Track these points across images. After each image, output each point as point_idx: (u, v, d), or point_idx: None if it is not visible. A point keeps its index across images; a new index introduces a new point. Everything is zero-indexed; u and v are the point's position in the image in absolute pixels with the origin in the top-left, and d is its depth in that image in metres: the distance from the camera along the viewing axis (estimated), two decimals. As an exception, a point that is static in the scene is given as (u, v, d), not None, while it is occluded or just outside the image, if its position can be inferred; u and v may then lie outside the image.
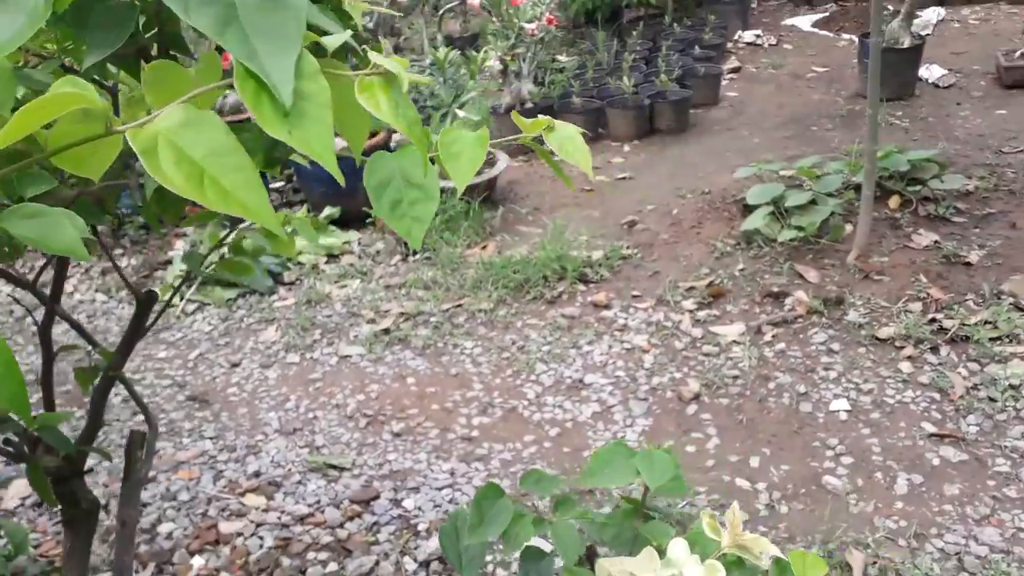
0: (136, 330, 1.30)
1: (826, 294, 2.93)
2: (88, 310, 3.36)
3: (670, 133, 4.84)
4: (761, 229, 3.34)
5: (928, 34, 6.05)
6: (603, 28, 6.46)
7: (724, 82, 5.67)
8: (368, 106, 0.64)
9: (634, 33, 6.15)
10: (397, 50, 6.61)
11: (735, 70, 5.91)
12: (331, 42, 0.66)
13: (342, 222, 3.86)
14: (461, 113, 3.69)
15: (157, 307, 1.31)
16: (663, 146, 4.71)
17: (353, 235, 3.79)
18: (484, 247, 3.65)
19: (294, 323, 3.11)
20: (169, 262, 3.73)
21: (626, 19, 7.05)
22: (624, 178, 4.32)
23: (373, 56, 0.66)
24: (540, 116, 0.91)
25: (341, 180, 0.59)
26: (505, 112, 4.75)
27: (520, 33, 4.54)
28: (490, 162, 4.12)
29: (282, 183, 4.47)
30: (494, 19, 4.68)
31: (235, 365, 2.90)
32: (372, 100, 0.64)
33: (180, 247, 3.80)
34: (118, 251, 3.79)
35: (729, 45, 6.48)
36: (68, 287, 3.56)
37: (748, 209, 3.51)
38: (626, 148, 4.74)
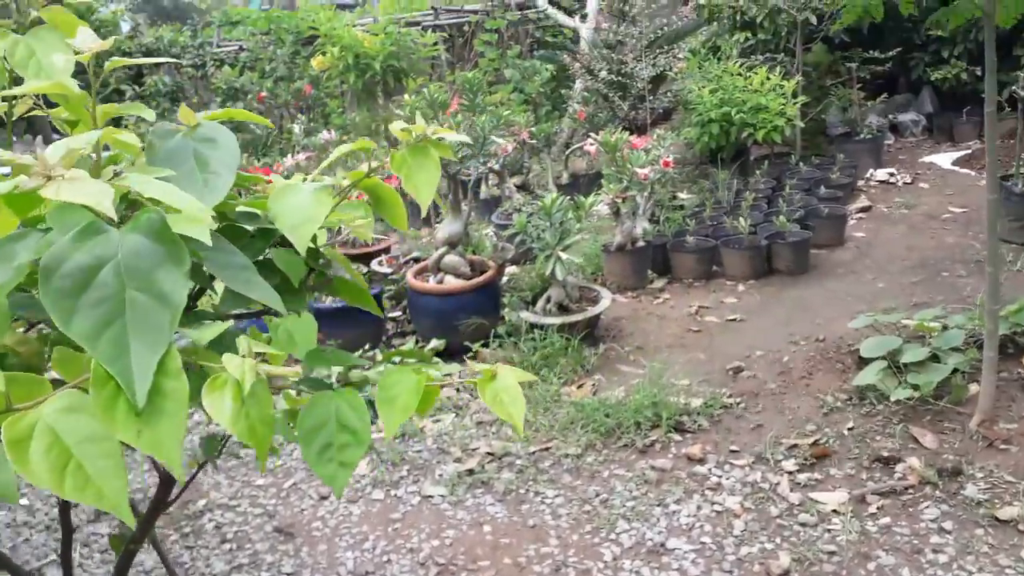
0: (157, 506, 1.37)
1: (942, 463, 2.66)
2: (199, 431, 3.58)
3: (788, 274, 4.70)
4: (875, 385, 3.12)
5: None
6: (727, 166, 6.49)
7: (851, 222, 5.49)
8: (212, 408, 0.68)
9: (758, 171, 6.13)
10: (524, 186, 6.90)
11: (864, 209, 5.72)
12: (203, 335, 0.71)
13: (447, 353, 3.96)
14: (564, 256, 3.76)
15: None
16: (780, 288, 4.56)
17: (455, 367, 3.85)
18: (580, 386, 3.61)
19: (385, 457, 3.17)
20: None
21: (753, 156, 7.05)
22: (735, 320, 4.20)
23: (226, 360, 0.70)
24: (489, 367, 0.94)
25: (182, 479, 0.63)
26: (616, 251, 4.80)
27: (632, 177, 4.64)
28: (592, 299, 4.14)
29: (399, 313, 4.67)
30: (610, 164, 4.82)
31: (324, 498, 2.97)
32: (217, 402, 0.68)
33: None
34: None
35: (860, 183, 6.31)
36: (191, 407, 3.82)
37: (863, 362, 3.30)
38: (740, 288, 4.63)
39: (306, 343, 1.27)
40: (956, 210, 5.48)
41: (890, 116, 7.81)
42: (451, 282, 3.95)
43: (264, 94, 8.14)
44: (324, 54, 7.47)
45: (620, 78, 6.55)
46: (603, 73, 6.61)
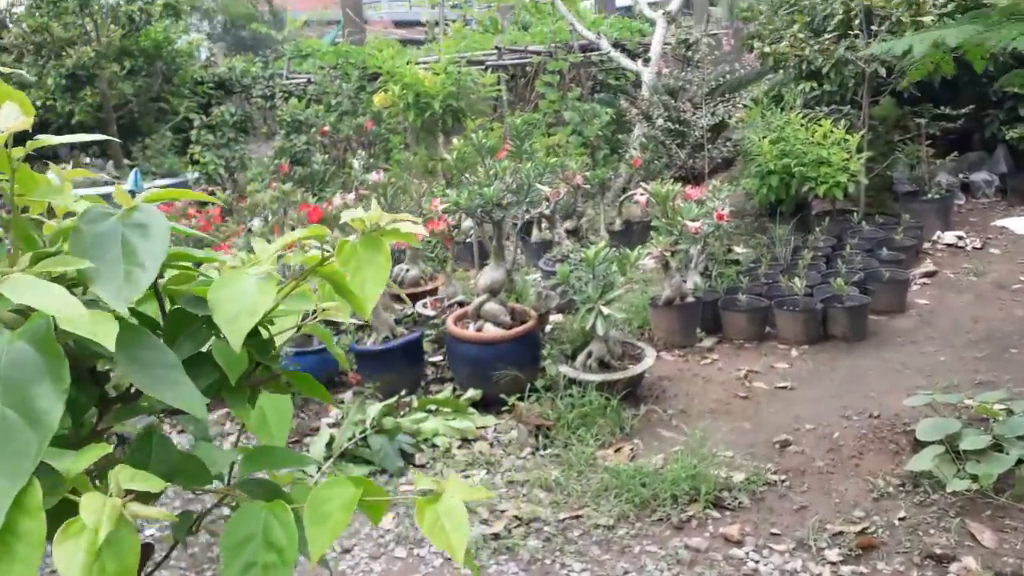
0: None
1: (1001, 565, 2.47)
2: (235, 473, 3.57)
3: (844, 341, 4.50)
4: (931, 471, 2.93)
5: None
6: (787, 220, 6.31)
7: (914, 287, 5.26)
8: (60, 560, 0.61)
9: (818, 228, 5.94)
10: (576, 231, 6.84)
11: (929, 274, 5.47)
12: (75, 465, 0.66)
13: (483, 404, 3.90)
14: (606, 310, 3.66)
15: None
16: (835, 355, 4.37)
17: (490, 420, 3.80)
18: (618, 449, 3.49)
19: (411, 512, 3.10)
20: (335, 423, 3.89)
21: (815, 211, 6.84)
22: (785, 387, 4.03)
23: (85, 504, 0.64)
24: (435, 478, 0.87)
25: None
26: (664, 305, 4.68)
27: (683, 230, 4.53)
28: (635, 357, 4.03)
29: (439, 358, 4.63)
30: (659, 216, 4.72)
31: (347, 551, 2.91)
32: (68, 554, 0.61)
33: (335, 414, 3.99)
34: (278, 412, 4.04)
35: (926, 246, 6.05)
36: (224, 445, 3.83)
37: (918, 444, 3.11)
38: (793, 353, 4.46)
39: (280, 428, 1.20)
40: (1029, 279, 5.20)
41: (961, 175, 7.51)
42: (490, 330, 3.90)
43: (327, 128, 8.30)
44: (386, 91, 7.58)
45: (677, 125, 6.46)
46: (659, 120, 6.53)
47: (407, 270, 5.56)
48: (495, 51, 10.43)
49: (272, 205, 5.09)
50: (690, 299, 4.71)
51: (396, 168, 7.54)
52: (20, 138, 0.91)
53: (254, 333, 1.00)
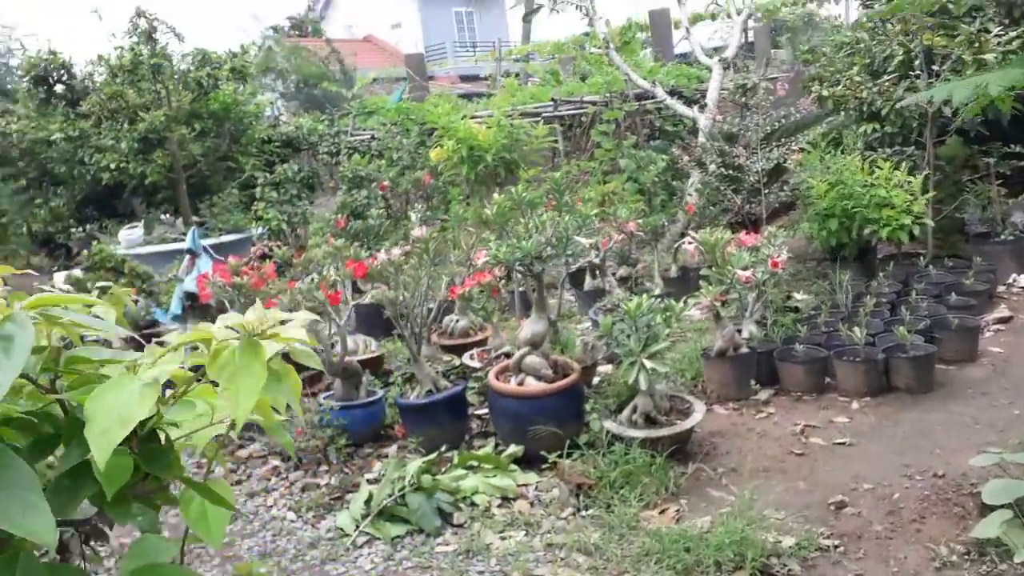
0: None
1: (1080, 652, 2.24)
2: (275, 527, 3.58)
3: (908, 393, 4.26)
4: (999, 538, 2.71)
5: None
6: (850, 265, 6.09)
7: (987, 334, 4.98)
8: None
9: (882, 273, 5.71)
10: (631, 279, 6.75)
11: (1003, 320, 5.17)
12: None
13: (525, 460, 3.82)
14: (649, 364, 3.56)
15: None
16: (898, 408, 4.14)
17: (532, 477, 3.71)
18: (663, 511, 3.36)
19: (448, 575, 3.04)
20: (375, 480, 3.87)
21: (881, 255, 6.59)
22: (843, 443, 3.82)
23: None
24: None
25: None
26: (716, 356, 4.53)
27: (734, 279, 4.41)
28: (684, 411, 3.90)
29: (485, 411, 4.58)
30: (709, 265, 4.62)
31: (377, 615, 2.86)
32: None
33: (377, 469, 3.97)
34: (323, 468, 4.06)
35: (1000, 289, 5.74)
36: (268, 500, 3.85)
37: (986, 508, 2.89)
38: (854, 406, 4.24)
39: (218, 527, 1.14)
40: (1115, 325, 4.86)
41: (1039, 213, 7.14)
42: (531, 384, 3.84)
43: (387, 183, 8.48)
44: (441, 146, 7.72)
45: (731, 171, 6.36)
46: (712, 167, 6.44)
47: (456, 320, 5.56)
48: (551, 103, 10.55)
49: (325, 260, 5.19)
50: (744, 350, 4.56)
51: (453, 220, 7.64)
52: None
53: (150, 438, 0.97)
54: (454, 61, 33.10)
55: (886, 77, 6.94)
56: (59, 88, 9.09)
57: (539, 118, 10.64)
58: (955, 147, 6.73)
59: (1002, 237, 6.07)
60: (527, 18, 14.36)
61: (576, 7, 10.73)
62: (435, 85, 23.80)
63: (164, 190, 9.26)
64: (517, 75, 21.93)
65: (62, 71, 9.02)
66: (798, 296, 5.81)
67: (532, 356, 3.91)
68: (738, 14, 10.20)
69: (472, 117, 8.75)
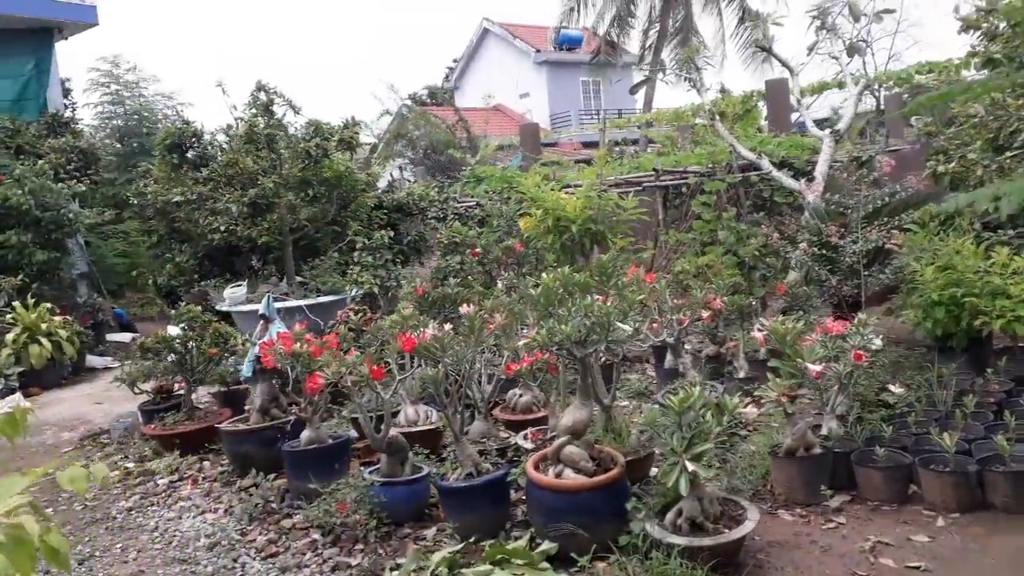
0: None
1: None
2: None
3: (1005, 512, 3.74)
4: None
5: None
6: (958, 358, 5.52)
7: (1116, 447, 4.32)
8: None
9: (989, 369, 5.13)
10: (715, 358, 6.43)
11: None
12: None
13: (558, 557, 3.60)
14: (692, 467, 3.29)
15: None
16: (991, 529, 3.63)
17: (564, 577, 3.49)
18: (697, 633, 3.06)
19: None
20: (398, 566, 3.79)
21: (997, 346, 5.94)
22: (918, 568, 3.38)
23: None
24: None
25: None
26: (785, 456, 4.17)
27: (804, 373, 4.07)
28: (736, 518, 3.57)
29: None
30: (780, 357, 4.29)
31: None
32: None
33: (410, 552, 3.86)
34: (359, 546, 4.00)
35: None
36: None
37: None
38: (939, 523, 3.76)
39: None
40: None
41: None
42: (569, 477, 3.64)
43: (478, 250, 8.57)
44: (530, 215, 7.74)
45: (824, 251, 5.97)
46: (803, 245, 6.08)
47: (519, 395, 5.44)
48: (653, 172, 10.41)
49: (392, 329, 5.23)
50: (817, 450, 4.17)
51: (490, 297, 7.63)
52: None
53: None
54: (579, 128, 33.67)
55: (1008, 153, 6.40)
56: (190, 154, 9.84)
57: (641, 186, 10.52)
58: None
59: None
60: (634, 91, 14.40)
61: (684, 78, 10.65)
62: (558, 151, 24.22)
63: (276, 251, 9.76)
64: (635, 142, 22.00)
65: (193, 139, 9.77)
66: (895, 389, 5.30)
67: (572, 446, 3.73)
68: (855, 84, 9.78)
69: (566, 187, 8.73)
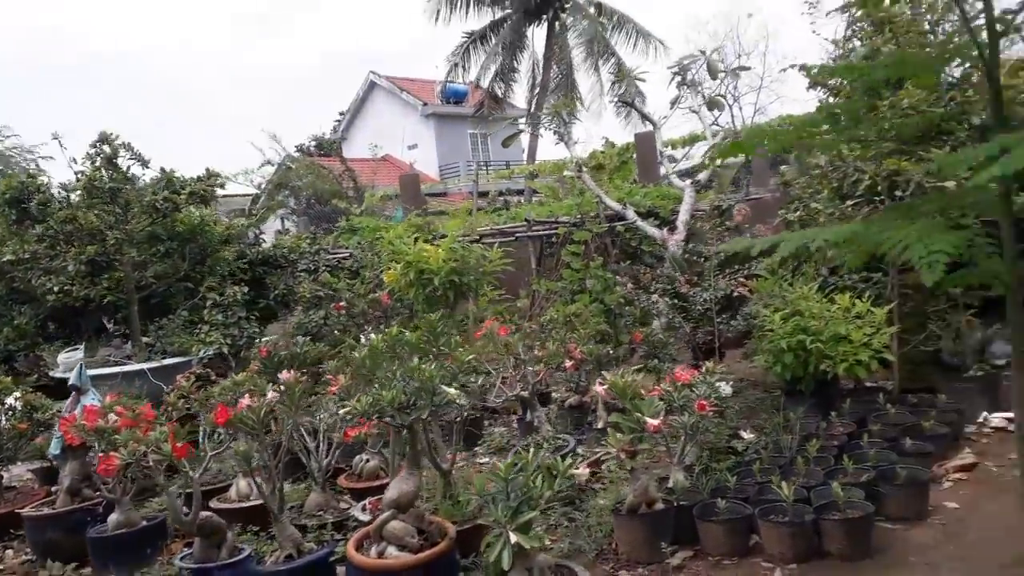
0: None
1: None
2: None
3: (841, 559, 3.71)
4: None
5: None
6: (806, 400, 5.61)
7: (946, 484, 4.44)
8: None
9: (833, 412, 5.22)
10: (577, 408, 6.30)
11: (966, 468, 4.62)
12: None
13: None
14: (515, 538, 3.08)
15: None
16: (828, 579, 3.59)
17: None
18: None
19: None
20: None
21: (843, 388, 6.08)
22: (754, 626, 3.27)
23: None
24: None
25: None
26: (627, 513, 4.03)
27: (644, 427, 3.96)
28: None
29: None
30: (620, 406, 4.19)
31: None
32: None
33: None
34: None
35: (970, 430, 5.22)
36: None
37: None
38: (777, 575, 3.69)
39: None
40: (1091, 478, 4.28)
41: None
42: (392, 555, 3.36)
43: (343, 304, 8.24)
44: (392, 268, 7.52)
45: (677, 299, 6.01)
46: (655, 295, 6.10)
47: (366, 460, 5.12)
48: (525, 223, 10.42)
49: (222, 397, 4.84)
50: (659, 505, 4.05)
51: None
52: None
53: None
54: (468, 178, 33.78)
55: (850, 202, 6.67)
56: (34, 210, 9.12)
57: (514, 237, 10.50)
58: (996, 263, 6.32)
59: (971, 372, 5.57)
60: (506, 143, 14.58)
61: (553, 132, 10.78)
62: (447, 201, 24.17)
63: (125, 309, 9.11)
64: (520, 192, 22.24)
65: (37, 193, 9.07)
66: (744, 435, 5.31)
67: (396, 521, 3.45)
68: (714, 137, 10.14)
69: (443, 237, 8.56)
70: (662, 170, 11.94)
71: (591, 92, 28.70)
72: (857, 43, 8.28)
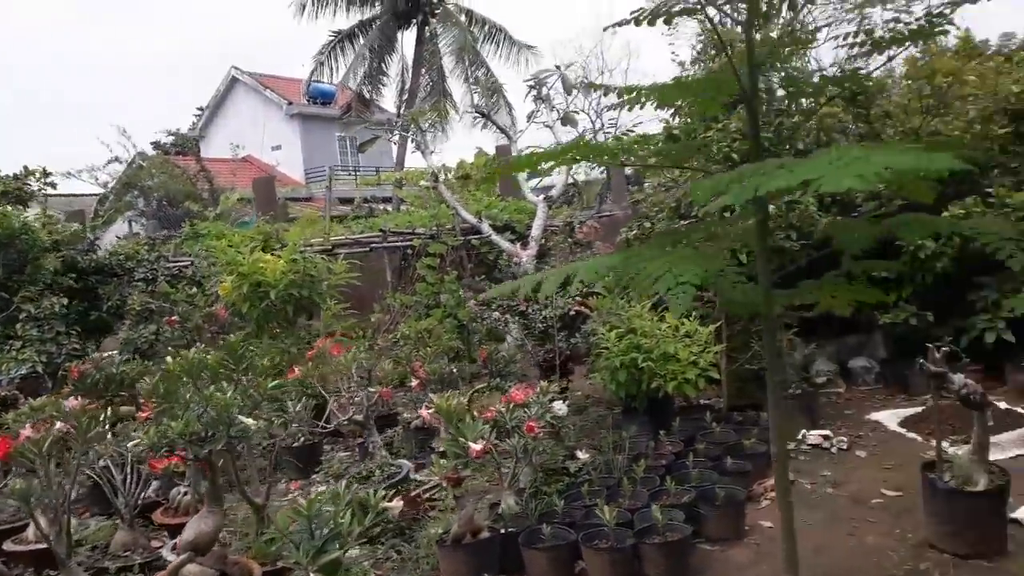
0: None
1: None
2: None
3: (660, 585, 3.76)
4: None
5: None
6: (640, 417, 5.72)
7: (764, 503, 4.60)
8: None
9: (663, 431, 5.33)
10: (424, 429, 6.15)
11: (782, 485, 4.81)
12: None
13: None
14: (316, 581, 2.90)
15: None
16: (643, 606, 3.61)
17: None
18: None
19: None
20: None
21: (680, 405, 6.25)
22: (567, 660, 3.23)
23: None
24: None
25: None
26: (452, 544, 3.92)
27: (466, 451, 3.87)
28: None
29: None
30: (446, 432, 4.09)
31: None
32: None
33: None
34: None
35: (790, 447, 5.44)
36: None
37: None
38: (597, 603, 3.69)
39: None
40: (890, 493, 4.57)
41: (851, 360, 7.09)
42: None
43: (175, 318, 7.72)
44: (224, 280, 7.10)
45: (518, 317, 6.00)
46: (496, 313, 6.07)
47: (183, 493, 4.76)
48: (380, 233, 10.18)
49: (16, 425, 4.36)
50: (485, 534, 3.97)
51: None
52: None
53: None
54: (336, 184, 32.85)
55: (684, 221, 6.89)
56: None
57: (369, 248, 10.24)
58: (747, 294, 6.62)
59: (791, 390, 5.85)
60: (362, 148, 14.28)
61: (411, 140, 10.61)
62: (312, 206, 23.37)
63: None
64: (388, 200, 21.88)
65: None
66: (580, 455, 5.33)
67: (194, 565, 3.19)
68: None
69: (275, 250, 8.16)
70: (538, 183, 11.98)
71: (461, 101, 28.67)
72: (701, 65, 8.61)
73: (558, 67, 10.35)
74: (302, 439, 5.72)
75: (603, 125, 10.71)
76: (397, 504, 3.57)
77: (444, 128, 27.25)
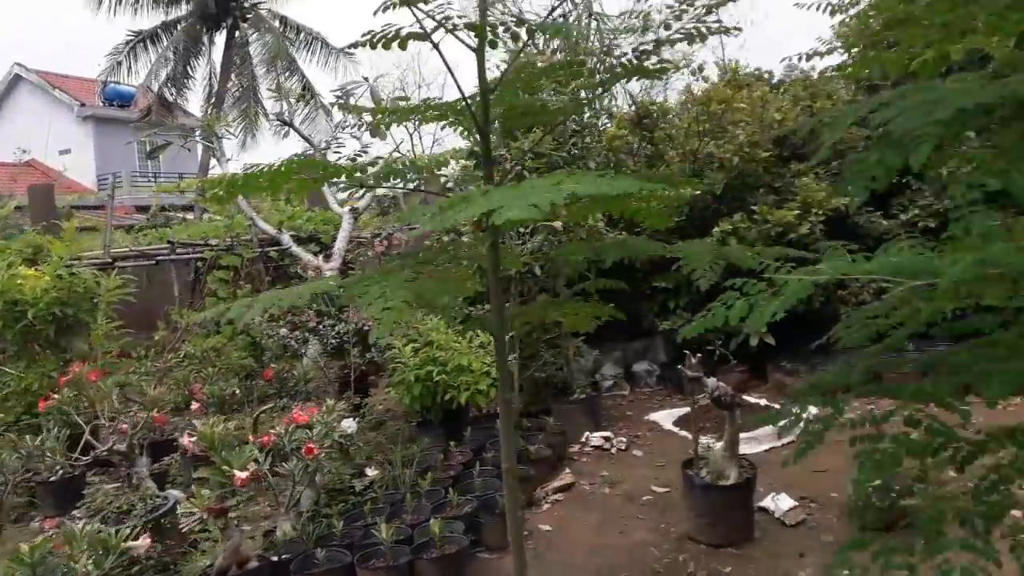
0: None
1: None
2: None
3: (441, 599, 3.74)
4: None
5: (777, 446, 5.27)
6: (435, 429, 5.71)
7: (545, 506, 4.73)
8: None
9: (452, 442, 5.36)
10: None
11: (564, 488, 4.98)
12: None
13: None
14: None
15: None
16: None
17: None
18: None
19: None
20: None
21: (474, 414, 6.32)
22: None
23: None
24: None
25: None
26: (216, 576, 3.69)
27: (229, 480, 3.67)
28: None
29: None
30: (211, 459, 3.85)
31: None
32: None
33: None
34: None
35: (574, 450, 5.67)
36: None
37: None
38: (371, 624, 3.60)
39: None
40: (659, 489, 4.85)
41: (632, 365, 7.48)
42: None
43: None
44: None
45: (307, 334, 5.81)
46: (284, 330, 5.85)
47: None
48: (168, 244, 9.52)
49: None
50: (254, 564, 3.76)
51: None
52: None
53: None
54: (132, 191, 30.53)
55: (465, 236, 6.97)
56: None
57: (155, 261, 9.54)
58: (543, 305, 6.83)
59: (575, 395, 6.08)
60: (152, 155, 13.42)
61: (206, 146, 10.03)
62: (104, 215, 21.48)
63: None
64: (190, 208, 20.59)
65: None
66: (369, 472, 5.23)
67: None
68: (374, 166, 10.12)
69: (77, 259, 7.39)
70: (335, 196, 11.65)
71: (275, 107, 27.65)
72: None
73: (366, 79, 10.21)
74: (60, 471, 5.19)
75: (420, 138, 10.65)
76: (143, 542, 3.32)
77: (255, 134, 26.25)
